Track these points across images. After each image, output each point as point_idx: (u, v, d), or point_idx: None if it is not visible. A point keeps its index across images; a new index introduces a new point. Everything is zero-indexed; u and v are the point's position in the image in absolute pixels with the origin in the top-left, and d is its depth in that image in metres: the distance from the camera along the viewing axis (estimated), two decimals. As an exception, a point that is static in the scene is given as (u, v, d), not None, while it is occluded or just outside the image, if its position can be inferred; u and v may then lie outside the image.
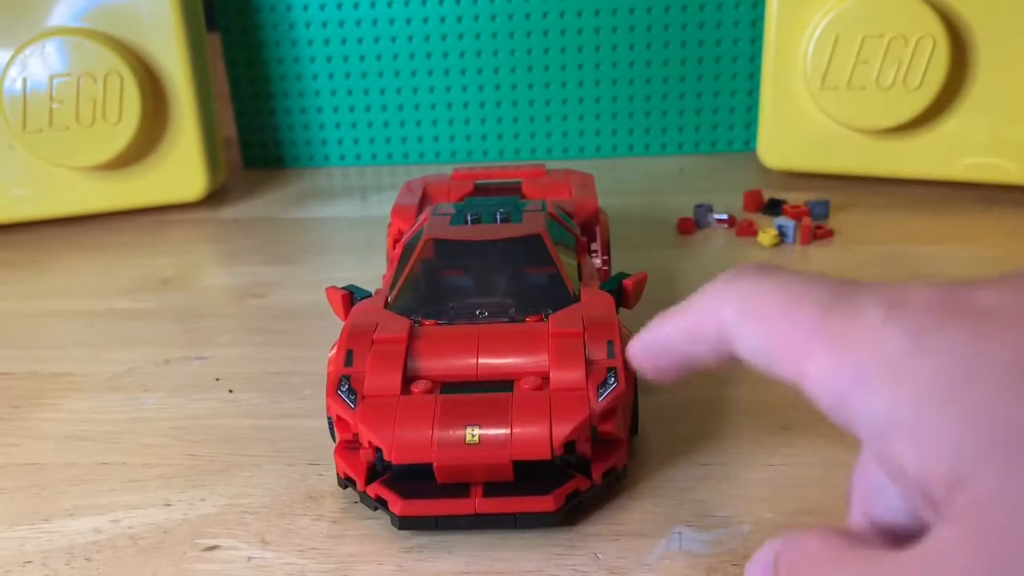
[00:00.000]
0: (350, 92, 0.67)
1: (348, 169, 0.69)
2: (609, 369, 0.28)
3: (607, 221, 0.43)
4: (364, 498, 0.28)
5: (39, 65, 0.54)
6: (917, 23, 0.51)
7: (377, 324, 0.31)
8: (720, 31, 0.64)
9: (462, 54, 0.66)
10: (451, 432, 0.27)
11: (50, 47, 0.54)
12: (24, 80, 0.54)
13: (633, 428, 0.31)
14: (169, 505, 0.30)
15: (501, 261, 0.33)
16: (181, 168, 0.59)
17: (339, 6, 0.65)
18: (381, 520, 0.29)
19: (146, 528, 0.29)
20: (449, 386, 0.29)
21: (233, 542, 0.28)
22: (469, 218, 0.36)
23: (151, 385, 0.38)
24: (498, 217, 0.36)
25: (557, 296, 0.32)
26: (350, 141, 0.69)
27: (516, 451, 0.26)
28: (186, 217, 0.60)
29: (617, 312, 0.31)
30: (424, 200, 0.43)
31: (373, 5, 0.65)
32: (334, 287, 0.34)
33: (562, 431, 0.26)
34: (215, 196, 0.62)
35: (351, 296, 0.34)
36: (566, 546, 0.27)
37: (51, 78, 0.54)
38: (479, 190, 0.45)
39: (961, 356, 0.16)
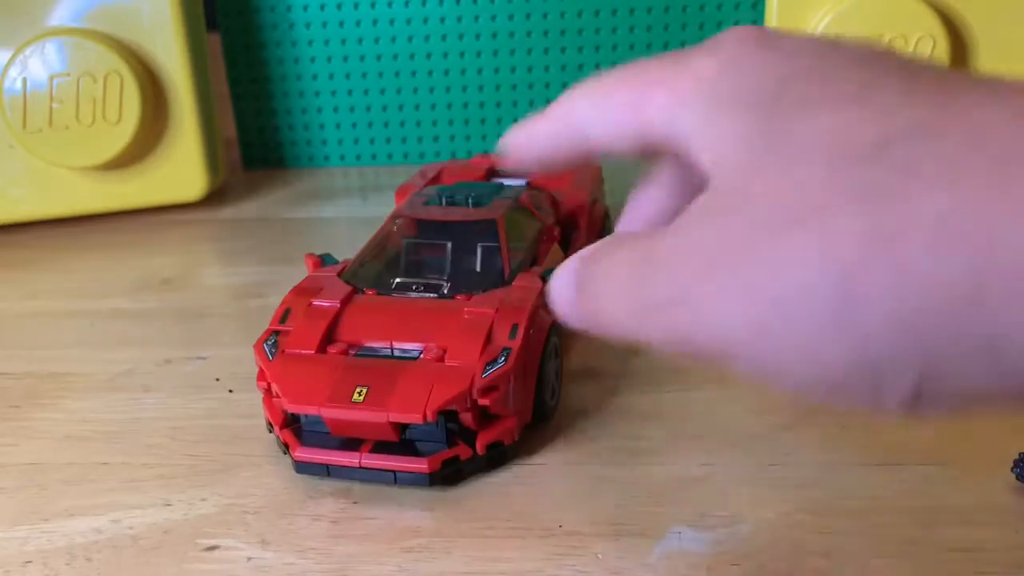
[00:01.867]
0: (350, 92, 0.67)
1: (348, 169, 0.69)
2: (504, 349, 0.30)
3: (602, 213, 0.44)
4: (278, 442, 0.32)
5: (39, 65, 0.54)
6: (917, 23, 0.51)
7: (322, 289, 0.34)
8: (720, 31, 0.64)
9: (462, 54, 0.66)
10: (342, 389, 0.29)
11: (50, 47, 0.54)
12: (24, 80, 0.54)
13: (542, 413, 0.32)
14: (169, 505, 0.30)
15: (452, 241, 0.36)
16: (181, 168, 0.59)
17: (339, 6, 0.65)
18: (381, 520, 0.29)
19: (146, 528, 0.29)
20: (365, 351, 0.31)
21: (233, 542, 0.28)
22: (444, 200, 0.38)
23: (151, 385, 0.38)
24: (469, 201, 0.38)
25: (491, 278, 0.35)
26: (350, 141, 0.69)
27: (393, 412, 0.29)
28: (186, 217, 0.60)
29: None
30: (435, 182, 0.46)
31: (373, 5, 0.65)
32: (311, 253, 0.37)
33: (438, 399, 0.29)
34: (215, 196, 0.62)
35: (322, 262, 0.37)
36: (566, 546, 0.27)
37: (51, 78, 0.54)
38: (493, 175, 0.47)
39: (742, 74, 0.20)
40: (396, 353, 0.31)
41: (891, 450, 0.31)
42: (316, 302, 0.33)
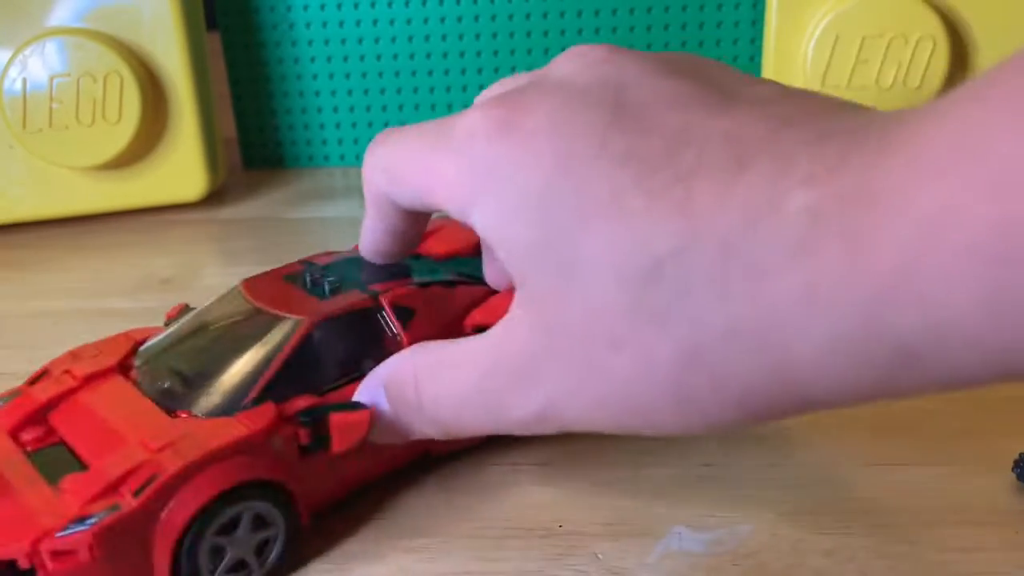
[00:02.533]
0: (350, 92, 0.67)
1: (348, 169, 0.69)
2: (110, 508, 0.23)
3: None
4: None
5: (39, 65, 0.54)
6: (917, 23, 0.51)
7: (93, 356, 0.30)
8: (720, 31, 0.64)
9: (462, 54, 0.66)
10: None
11: (50, 47, 0.54)
12: (24, 80, 0.54)
13: None
14: (169, 505, 0.30)
15: (242, 336, 0.28)
16: (181, 168, 0.59)
17: (339, 6, 0.65)
18: (381, 520, 0.29)
19: (146, 528, 0.29)
20: (53, 448, 0.27)
21: (233, 542, 0.28)
22: (309, 279, 0.30)
23: (151, 385, 0.38)
24: (327, 288, 0.29)
25: (233, 399, 0.27)
26: (350, 141, 0.69)
27: None
28: (186, 217, 0.60)
29: (309, 451, 0.26)
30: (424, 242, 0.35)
31: (373, 5, 0.65)
32: (182, 303, 0.33)
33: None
34: (215, 196, 0.62)
35: (181, 311, 0.32)
36: (566, 546, 0.27)
37: (51, 78, 0.54)
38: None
39: (511, 180, 0.21)
40: (74, 462, 0.26)
41: (891, 450, 0.31)
42: (68, 371, 0.29)
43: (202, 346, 0.29)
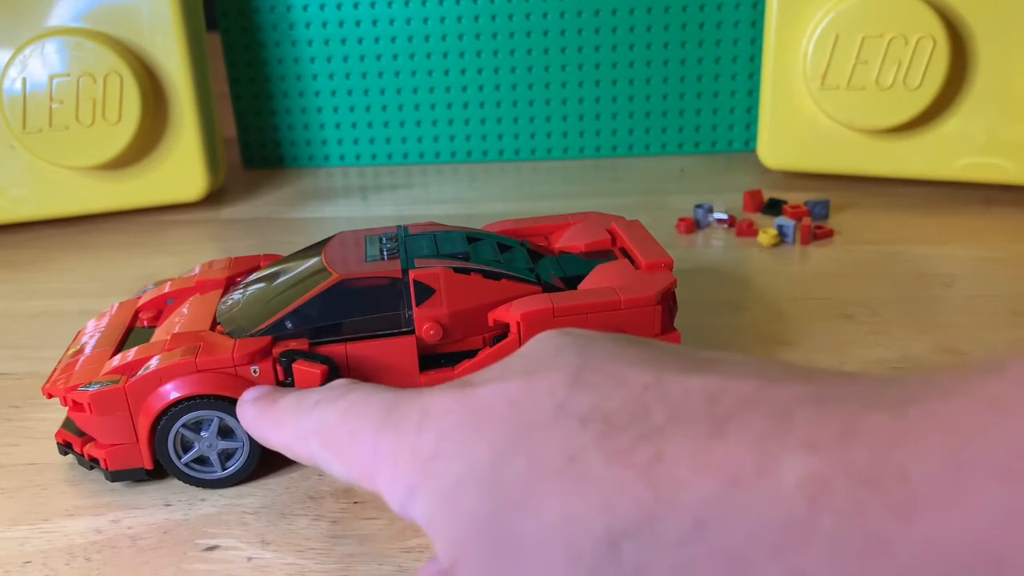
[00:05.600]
0: (350, 92, 0.67)
1: (348, 169, 0.69)
2: (112, 381, 0.30)
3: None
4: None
5: (39, 65, 0.54)
6: (917, 23, 0.51)
7: (222, 268, 0.36)
8: (720, 31, 0.64)
9: (462, 54, 0.66)
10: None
11: (50, 47, 0.54)
12: (24, 80, 0.54)
13: None
14: (169, 505, 0.30)
15: (293, 281, 0.33)
16: (181, 168, 0.59)
17: (339, 6, 0.65)
18: (381, 520, 0.29)
19: (146, 528, 0.29)
20: (148, 330, 0.34)
21: (233, 542, 0.28)
22: (381, 243, 0.34)
23: (151, 385, 0.38)
24: (384, 253, 0.33)
25: (241, 328, 0.31)
26: (350, 141, 0.69)
27: None
28: (186, 217, 0.60)
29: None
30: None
31: (373, 5, 0.65)
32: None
33: None
34: (215, 196, 0.62)
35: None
36: (566, 546, 0.27)
37: (51, 78, 0.54)
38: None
39: (460, 457, 0.18)
40: (144, 341, 0.33)
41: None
42: (197, 275, 0.37)
43: (271, 279, 0.34)
